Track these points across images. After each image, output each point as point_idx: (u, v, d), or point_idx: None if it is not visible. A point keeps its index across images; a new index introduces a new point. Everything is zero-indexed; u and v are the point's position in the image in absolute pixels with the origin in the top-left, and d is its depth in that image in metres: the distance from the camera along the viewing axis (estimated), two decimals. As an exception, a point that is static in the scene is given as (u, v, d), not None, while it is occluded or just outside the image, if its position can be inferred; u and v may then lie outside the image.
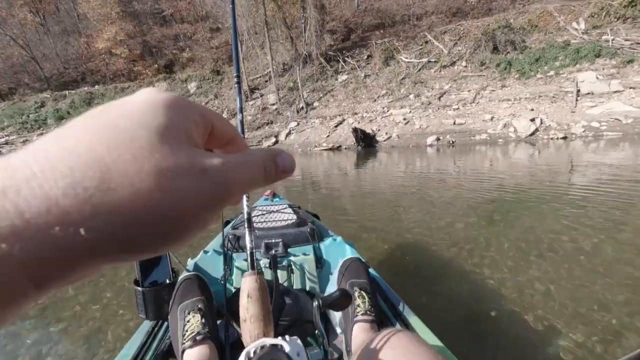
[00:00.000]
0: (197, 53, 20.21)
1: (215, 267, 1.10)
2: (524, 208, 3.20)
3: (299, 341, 0.40)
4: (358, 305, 0.80)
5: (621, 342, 1.31)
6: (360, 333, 0.76)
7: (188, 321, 0.77)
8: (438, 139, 9.55)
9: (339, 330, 0.92)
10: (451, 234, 2.59)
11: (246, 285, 0.52)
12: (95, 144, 0.13)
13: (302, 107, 13.40)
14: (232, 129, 0.19)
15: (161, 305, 0.93)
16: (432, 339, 0.79)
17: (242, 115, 0.70)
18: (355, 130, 10.19)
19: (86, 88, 18.90)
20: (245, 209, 0.66)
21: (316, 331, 0.54)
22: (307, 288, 1.09)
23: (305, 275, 1.09)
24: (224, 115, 15.52)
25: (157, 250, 0.14)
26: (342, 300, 0.56)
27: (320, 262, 1.15)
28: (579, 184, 4.18)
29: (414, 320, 0.88)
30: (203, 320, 0.77)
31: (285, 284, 1.05)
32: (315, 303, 0.55)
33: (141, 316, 0.95)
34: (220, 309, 0.88)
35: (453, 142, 9.41)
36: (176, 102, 0.16)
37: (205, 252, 1.16)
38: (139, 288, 0.93)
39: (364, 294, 0.84)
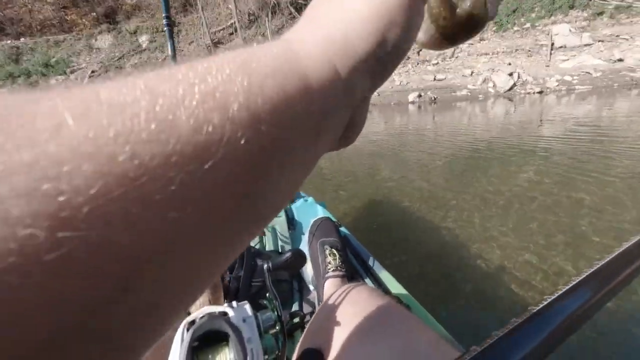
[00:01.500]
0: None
1: None
2: (493, 162, 3.36)
3: (247, 306, 0.38)
4: (329, 263, 0.83)
5: (564, 275, 1.52)
6: (330, 288, 0.78)
7: None
8: (420, 96, 9.37)
9: (312, 287, 0.96)
10: (422, 191, 2.67)
11: None
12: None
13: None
14: None
15: None
16: (401, 290, 0.83)
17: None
18: (335, 88, 9.68)
19: (9, 42, 15.79)
20: None
21: (267, 294, 0.49)
22: (280, 250, 1.09)
23: (278, 237, 1.10)
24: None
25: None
26: (292, 261, 0.55)
27: (292, 223, 1.16)
28: (544, 137, 4.42)
29: (383, 274, 0.90)
30: None
31: (257, 246, 1.04)
32: (265, 266, 0.53)
33: None
34: None
35: (435, 98, 9.29)
36: None
37: None
38: None
39: (335, 251, 0.86)
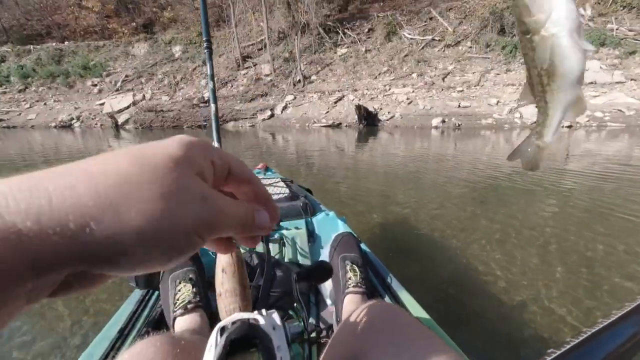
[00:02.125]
0: (180, 13, 18.42)
1: None
2: (514, 193, 3.33)
3: (275, 315, 0.38)
4: (349, 278, 0.82)
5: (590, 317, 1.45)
6: (350, 304, 0.78)
7: (179, 290, 0.78)
8: (443, 121, 9.33)
9: (329, 302, 0.94)
10: (441, 215, 2.67)
11: (220, 260, 0.51)
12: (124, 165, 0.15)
13: (299, 80, 12.66)
14: (248, 172, 0.22)
15: (152, 274, 0.90)
16: (420, 311, 0.82)
17: (214, 83, 0.72)
18: (358, 107, 9.76)
19: (54, 44, 16.89)
20: None
21: (295, 304, 0.51)
22: (299, 261, 1.10)
23: (297, 249, 1.10)
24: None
25: (147, 266, 0.15)
26: (320, 272, 0.54)
27: (312, 236, 1.16)
28: (569, 173, 4.32)
29: (403, 294, 0.89)
30: (194, 290, 0.78)
31: (277, 257, 1.06)
32: (293, 276, 0.53)
33: (132, 285, 0.94)
34: (210, 280, 0.86)
35: (459, 125, 9.22)
36: (200, 143, 0.18)
37: None
38: None
39: (355, 267, 0.85)
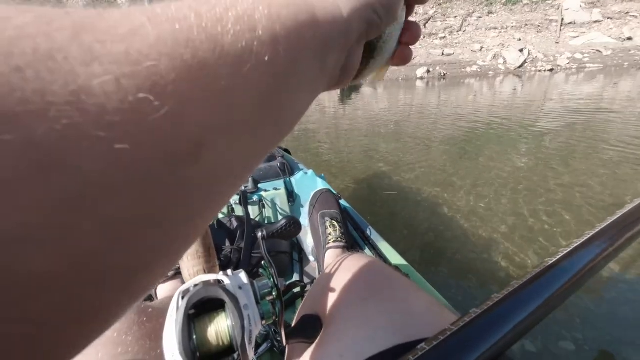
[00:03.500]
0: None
1: None
2: (491, 139, 3.49)
3: (243, 274, 0.38)
4: (329, 234, 0.84)
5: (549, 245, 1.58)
6: (330, 259, 0.80)
7: None
8: (428, 71, 9.04)
9: (312, 258, 0.97)
10: (421, 168, 2.75)
11: None
12: None
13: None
14: None
15: None
16: (399, 259, 0.85)
17: None
18: (340, 60, 9.17)
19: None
20: None
21: (263, 262, 0.44)
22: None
23: (277, 210, 1.11)
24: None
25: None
26: (286, 228, 0.54)
27: (292, 196, 1.16)
28: (544, 116, 4.52)
29: (382, 244, 0.92)
30: None
31: (257, 219, 1.06)
32: (260, 234, 0.52)
33: None
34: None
35: (444, 74, 8.99)
36: None
37: None
38: None
39: (335, 222, 0.87)
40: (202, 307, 0.33)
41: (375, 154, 3.18)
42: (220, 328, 0.32)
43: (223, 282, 0.35)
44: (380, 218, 1.96)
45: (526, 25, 9.70)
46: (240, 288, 0.36)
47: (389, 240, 0.96)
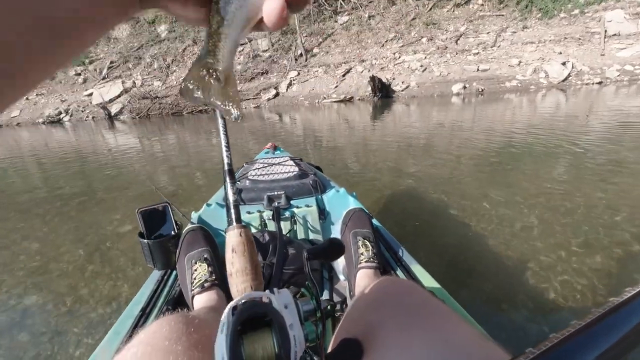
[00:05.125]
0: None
1: (218, 220, 1.09)
2: (528, 158, 3.25)
3: (287, 293, 0.38)
4: (361, 254, 0.84)
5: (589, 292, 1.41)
6: (362, 279, 0.80)
7: (195, 270, 0.81)
8: (465, 87, 8.80)
9: (342, 277, 0.99)
10: (452, 186, 2.65)
11: (230, 240, 0.50)
12: None
13: (301, 54, 11.82)
14: None
15: (168, 256, 0.97)
16: (432, 283, 0.82)
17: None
18: (372, 78, 9.13)
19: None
20: (225, 160, 0.60)
21: (307, 282, 0.46)
22: (310, 238, 1.11)
23: (308, 227, 1.11)
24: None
25: None
26: (331, 249, 0.53)
27: (323, 213, 1.16)
28: (588, 132, 4.23)
29: (415, 267, 0.90)
30: (210, 269, 0.81)
31: (289, 235, 1.06)
32: (304, 254, 0.51)
33: (149, 266, 0.99)
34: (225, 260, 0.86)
35: (482, 90, 8.71)
36: None
37: (208, 205, 1.15)
38: (144, 240, 0.97)
39: (367, 242, 0.86)
40: (249, 324, 0.32)
41: (405, 174, 3.09)
42: (267, 346, 0.31)
43: (269, 300, 0.35)
44: (411, 237, 1.86)
45: (565, 38, 9.34)
46: (286, 307, 0.35)
47: (422, 261, 0.93)
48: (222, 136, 0.61)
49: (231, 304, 0.34)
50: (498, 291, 1.39)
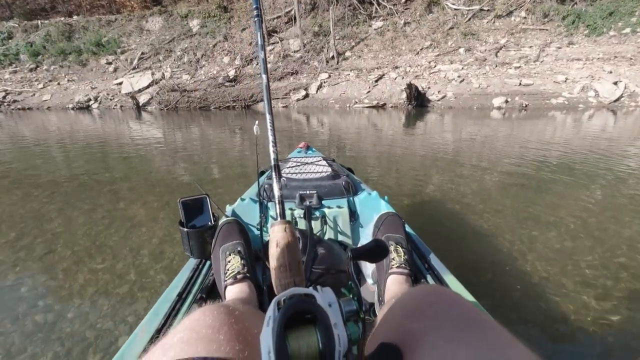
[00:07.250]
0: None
1: (251, 214, 1.12)
2: (563, 179, 3.16)
3: (331, 292, 0.38)
4: (393, 259, 0.82)
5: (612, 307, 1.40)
6: (393, 285, 0.79)
7: (229, 261, 0.83)
8: (507, 102, 8.41)
9: (370, 281, 0.96)
10: (481, 201, 2.59)
11: (275, 235, 0.49)
12: None
13: (333, 57, 11.63)
14: None
15: (204, 246, 1.01)
16: (466, 294, 0.80)
17: (265, 54, 0.66)
18: (409, 86, 8.83)
19: (62, 19, 15.75)
20: (272, 155, 0.60)
21: (349, 282, 0.43)
22: (340, 239, 1.11)
23: (338, 228, 1.11)
24: (237, 62, 13.44)
25: None
26: (376, 251, 0.52)
27: (353, 215, 1.15)
28: (632, 157, 3.95)
29: (447, 276, 0.89)
30: (243, 262, 0.83)
31: (319, 234, 1.07)
32: (349, 254, 0.51)
33: (187, 254, 1.02)
34: (258, 253, 0.94)
35: (525, 105, 8.31)
36: None
37: (242, 199, 1.17)
38: (184, 229, 1.00)
39: (400, 248, 0.85)
40: (293, 319, 0.32)
41: (434, 184, 3.03)
42: (311, 343, 0.31)
43: (314, 296, 0.34)
44: (439, 246, 1.79)
45: (615, 57, 8.87)
46: (330, 305, 0.35)
47: (454, 272, 0.90)
48: (269, 133, 0.60)
49: (276, 298, 0.34)
50: (524, 307, 1.38)
